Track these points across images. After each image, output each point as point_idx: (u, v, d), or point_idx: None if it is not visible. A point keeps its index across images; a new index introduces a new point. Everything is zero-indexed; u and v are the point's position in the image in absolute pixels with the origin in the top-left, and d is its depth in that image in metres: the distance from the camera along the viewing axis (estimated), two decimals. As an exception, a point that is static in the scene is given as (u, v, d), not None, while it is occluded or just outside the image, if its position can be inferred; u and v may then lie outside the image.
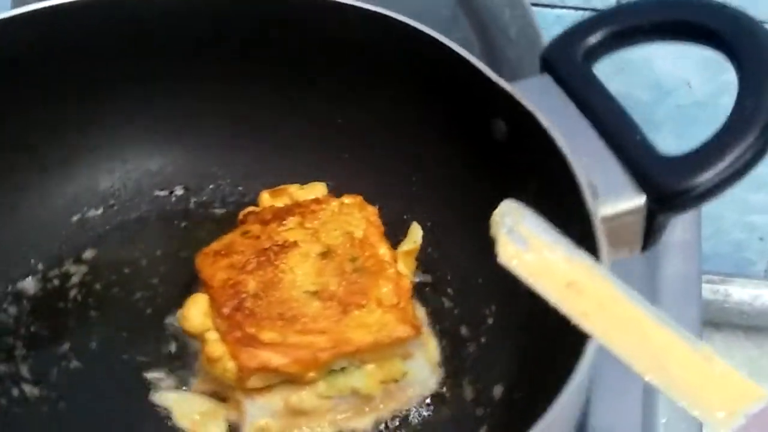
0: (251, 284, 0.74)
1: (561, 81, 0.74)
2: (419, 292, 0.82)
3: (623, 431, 0.84)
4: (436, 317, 0.81)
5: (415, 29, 0.77)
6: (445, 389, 0.77)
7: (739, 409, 0.48)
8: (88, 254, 0.85)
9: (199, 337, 0.74)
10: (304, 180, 0.86)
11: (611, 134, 0.70)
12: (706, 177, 0.65)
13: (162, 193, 0.90)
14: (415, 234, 0.84)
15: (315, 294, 0.74)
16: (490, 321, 0.80)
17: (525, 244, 0.59)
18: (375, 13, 0.78)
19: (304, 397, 0.72)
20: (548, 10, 1.04)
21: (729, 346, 1.14)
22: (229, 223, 0.87)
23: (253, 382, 0.71)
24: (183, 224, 0.89)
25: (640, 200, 0.67)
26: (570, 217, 0.67)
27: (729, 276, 1.18)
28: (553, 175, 0.69)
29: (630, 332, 0.53)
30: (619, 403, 0.85)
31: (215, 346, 0.71)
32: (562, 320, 0.70)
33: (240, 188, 0.91)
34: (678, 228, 0.95)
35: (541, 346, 0.73)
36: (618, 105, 0.71)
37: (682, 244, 0.94)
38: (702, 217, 0.97)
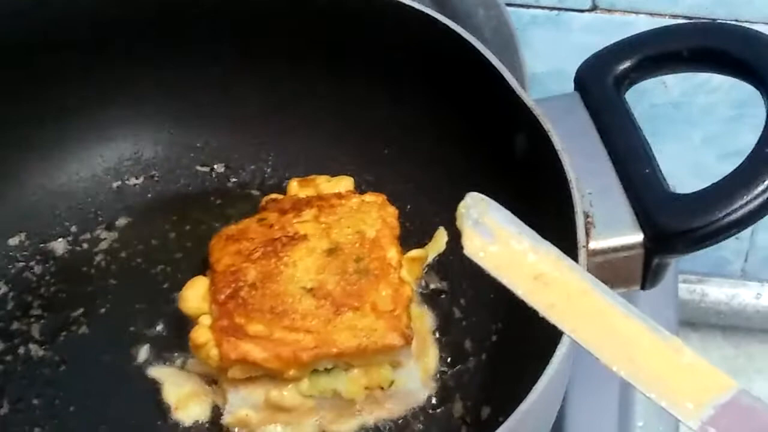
0: (251, 273, 0.74)
1: (589, 102, 0.71)
2: (433, 298, 0.81)
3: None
4: (444, 326, 0.80)
5: (459, 36, 0.76)
6: (435, 402, 0.75)
7: (707, 400, 0.48)
8: (121, 222, 0.87)
9: (194, 320, 0.74)
10: (341, 173, 0.86)
11: (623, 164, 0.67)
12: (709, 220, 0.62)
13: (203, 169, 0.91)
14: (440, 239, 0.82)
15: (310, 291, 0.73)
16: (494, 338, 0.78)
17: (491, 236, 0.58)
18: (424, 14, 0.77)
19: (285, 393, 0.72)
20: (523, 10, 1.02)
21: (706, 346, 1.13)
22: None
23: (234, 372, 0.71)
24: (218, 202, 0.90)
25: (636, 237, 0.64)
26: (562, 245, 0.64)
27: (706, 276, 1.18)
28: (556, 198, 0.67)
29: (598, 324, 0.52)
30: (596, 408, 0.83)
31: (202, 332, 0.71)
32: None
33: (280, 173, 0.91)
34: None
35: (533, 374, 0.71)
36: (639, 135, 0.68)
37: None
38: None
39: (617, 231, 0.64)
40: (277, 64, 0.88)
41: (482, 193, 0.78)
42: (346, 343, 0.70)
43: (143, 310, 0.81)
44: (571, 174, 0.65)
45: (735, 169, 0.63)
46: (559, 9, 1.01)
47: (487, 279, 0.79)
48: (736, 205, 0.61)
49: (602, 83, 0.71)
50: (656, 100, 1.04)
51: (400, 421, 0.75)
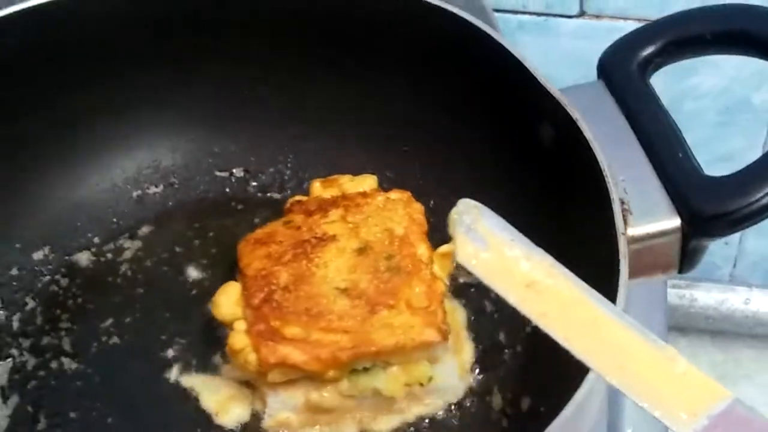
0: (283, 276, 0.74)
1: (614, 89, 0.72)
2: (463, 292, 0.81)
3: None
4: (477, 320, 0.80)
5: (478, 29, 0.76)
6: (474, 396, 0.75)
7: (701, 410, 0.47)
8: (144, 230, 0.87)
9: (228, 326, 0.74)
10: (363, 171, 0.86)
11: (655, 149, 0.67)
12: (746, 202, 0.62)
13: (222, 174, 0.91)
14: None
15: (344, 291, 0.73)
16: (528, 329, 0.77)
17: (484, 242, 0.57)
18: (442, 9, 0.77)
19: (325, 394, 0.72)
20: (511, 15, 1.03)
21: (695, 351, 1.13)
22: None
23: (274, 376, 0.71)
24: (239, 207, 0.89)
25: (674, 222, 0.64)
26: (599, 233, 0.65)
27: (695, 281, 1.18)
28: (589, 187, 0.67)
29: (591, 333, 0.52)
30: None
31: (238, 337, 0.71)
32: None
33: (300, 174, 0.91)
34: None
35: (573, 363, 0.71)
36: (668, 119, 0.68)
37: None
38: None
39: (654, 216, 0.64)
40: (291, 66, 0.88)
41: (509, 186, 0.79)
42: (384, 341, 0.70)
43: (173, 318, 0.81)
44: (603, 162, 0.65)
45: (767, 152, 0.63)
46: (547, 15, 1.01)
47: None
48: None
49: (626, 69, 0.71)
50: None
51: (439, 416, 0.74)
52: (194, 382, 0.77)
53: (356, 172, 0.85)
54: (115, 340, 0.79)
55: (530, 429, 0.71)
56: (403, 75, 0.83)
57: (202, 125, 0.90)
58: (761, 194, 0.62)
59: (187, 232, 0.87)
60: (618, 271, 0.60)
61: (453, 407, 0.75)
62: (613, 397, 0.83)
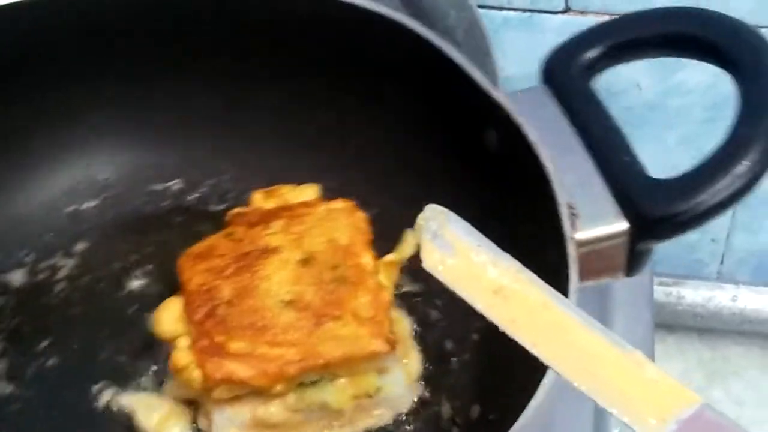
0: (226, 290, 0.72)
1: (558, 93, 0.71)
2: (407, 301, 0.80)
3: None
4: (423, 329, 0.79)
5: (417, 35, 0.75)
6: (423, 406, 0.75)
7: (670, 415, 0.47)
8: (80, 247, 0.85)
9: (170, 343, 0.72)
10: (304, 180, 0.84)
11: (600, 153, 0.67)
12: (692, 204, 0.62)
13: (159, 187, 0.89)
14: (410, 242, 0.81)
15: (289, 303, 0.71)
16: (476, 337, 0.77)
17: (450, 248, 0.57)
18: (388, 18, 0.76)
19: (272, 409, 0.70)
20: (495, 12, 1.02)
21: (682, 349, 1.13)
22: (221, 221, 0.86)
23: (219, 392, 0.69)
24: (178, 219, 0.87)
25: (621, 225, 0.63)
26: (547, 238, 0.64)
27: (682, 278, 1.18)
28: (536, 192, 0.66)
29: (559, 339, 0.51)
30: (572, 416, 0.82)
31: (182, 354, 0.69)
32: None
33: (240, 185, 0.89)
34: None
35: (522, 369, 0.70)
36: (612, 123, 0.68)
37: None
38: None
39: (602, 220, 0.64)
40: (229, 76, 0.86)
41: (455, 192, 0.78)
42: (332, 353, 0.69)
43: (111, 337, 0.79)
44: (549, 165, 0.65)
45: (713, 153, 0.63)
46: (532, 11, 1.00)
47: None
48: (717, 187, 0.62)
49: (569, 74, 0.71)
50: (630, 102, 1.04)
51: (389, 428, 0.74)
52: (133, 400, 0.75)
53: (298, 182, 0.83)
54: (52, 361, 0.77)
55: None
56: (344, 83, 0.82)
57: (138, 137, 0.88)
58: (706, 196, 0.62)
59: (124, 248, 0.85)
60: (567, 276, 0.60)
61: (402, 418, 0.74)
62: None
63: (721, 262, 1.23)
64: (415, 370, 0.75)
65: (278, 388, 0.69)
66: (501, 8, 1.01)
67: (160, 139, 0.89)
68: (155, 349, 0.77)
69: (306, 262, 0.74)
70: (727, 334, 1.18)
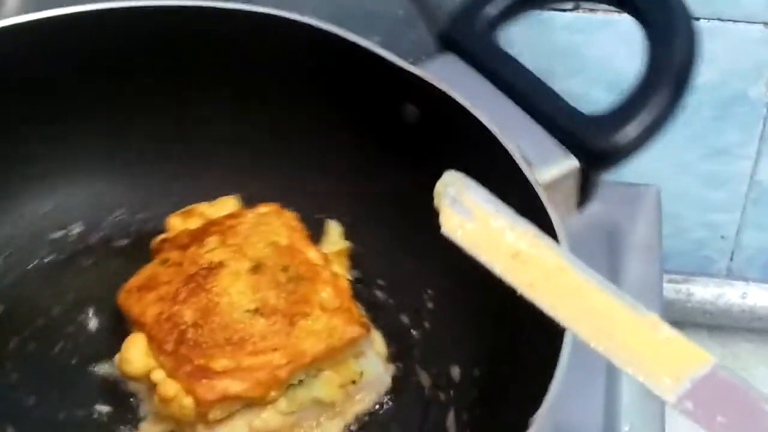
0: (187, 314, 0.71)
1: (467, 56, 0.74)
2: (351, 288, 0.80)
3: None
4: (374, 312, 0.79)
5: (309, 26, 0.75)
6: (401, 381, 0.76)
7: (684, 374, 0.48)
8: (-6, 313, 0.80)
9: (143, 379, 0.70)
10: (204, 197, 0.83)
11: (530, 103, 0.70)
12: (633, 131, 0.67)
13: (59, 234, 0.85)
14: (334, 232, 0.83)
15: (256, 311, 0.71)
16: (430, 305, 0.79)
17: (469, 214, 0.58)
18: (267, 14, 0.76)
19: (266, 418, 0.70)
20: None
21: None
22: (137, 254, 0.83)
23: (215, 413, 0.68)
24: (88, 263, 0.84)
25: (573, 163, 0.67)
26: (506, 190, 0.67)
27: (691, 275, 1.17)
28: (480, 153, 0.69)
29: (576, 302, 0.53)
30: (582, 408, 0.84)
31: (168, 385, 0.68)
32: (508, 292, 0.70)
33: (140, 215, 0.86)
34: (639, 228, 0.94)
35: (491, 319, 0.73)
36: (530, 73, 0.72)
37: (643, 244, 0.92)
38: (663, 216, 0.97)
39: (553, 162, 0.67)
40: (105, 110, 0.83)
41: (380, 174, 0.80)
42: (315, 348, 0.70)
43: (64, 395, 0.75)
44: (490, 125, 0.68)
45: (636, 85, 0.68)
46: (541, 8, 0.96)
47: (399, 254, 0.81)
48: (642, 120, 0.66)
49: (474, 35, 0.74)
50: None
51: (377, 409, 0.74)
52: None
53: (198, 199, 0.83)
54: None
55: (470, 395, 0.73)
56: (225, 87, 0.82)
57: (24, 188, 0.84)
58: (637, 126, 0.66)
59: (43, 302, 0.81)
60: (541, 219, 0.63)
61: (386, 397, 0.75)
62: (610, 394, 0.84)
63: (731, 259, 1.22)
64: (383, 350, 0.76)
65: (273, 394, 0.69)
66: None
67: (47, 186, 0.85)
68: (116, 395, 0.74)
69: (256, 269, 0.74)
70: (737, 332, 1.18)
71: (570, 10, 0.97)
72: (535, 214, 0.63)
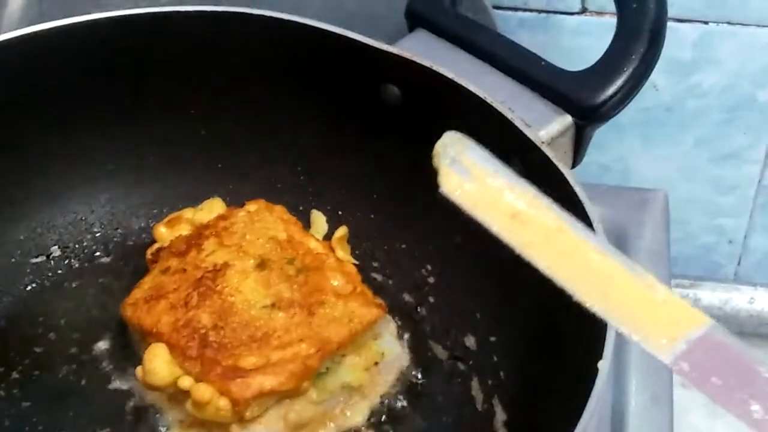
0: (204, 317, 0.71)
1: (438, 30, 0.75)
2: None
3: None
4: (375, 294, 0.80)
5: (280, 20, 0.76)
6: (418, 358, 0.77)
7: (681, 335, 0.48)
8: (-12, 347, 0.78)
9: (168, 388, 0.70)
10: (183, 202, 0.83)
11: (512, 67, 0.72)
12: (620, 84, 0.69)
13: (39, 260, 0.83)
14: (320, 221, 0.84)
15: (273, 306, 0.71)
16: (431, 280, 0.80)
17: (468, 174, 0.59)
18: (235, 13, 0.76)
19: (299, 409, 0.70)
20: (511, 13, 1.01)
21: None
22: (123, 268, 0.83)
23: (252, 411, 0.68)
24: (74, 284, 0.82)
25: (567, 120, 0.69)
26: (507, 155, 0.69)
27: (698, 280, 1.17)
28: (471, 123, 0.70)
29: (574, 262, 0.53)
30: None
31: (202, 389, 0.67)
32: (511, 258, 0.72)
33: (119, 230, 0.86)
34: (646, 232, 0.94)
35: (497, 284, 0.75)
36: (503, 37, 0.74)
37: (651, 248, 0.93)
38: (670, 220, 0.97)
39: (548, 121, 0.69)
40: (71, 125, 0.82)
41: (362, 158, 0.80)
42: (339, 334, 0.71)
43: (82, 417, 0.74)
44: (479, 92, 0.69)
45: (612, 42, 0.70)
46: (548, 12, 0.99)
47: (391, 235, 0.82)
48: (636, 63, 0.69)
49: (442, 8, 0.75)
50: (647, 104, 1.02)
51: (400, 387, 0.75)
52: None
53: (174, 206, 0.83)
54: (37, 460, 0.71)
55: (490, 361, 0.75)
56: (194, 89, 0.81)
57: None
58: (621, 82, 0.69)
59: (36, 330, 0.79)
60: (563, 178, 0.64)
61: (407, 375, 0.76)
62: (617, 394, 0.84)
63: (738, 264, 1.22)
64: (394, 330, 0.77)
65: (305, 385, 0.69)
66: (516, 9, 0.99)
67: (18, 211, 0.83)
68: (135, 409, 0.74)
69: (262, 265, 0.74)
70: (744, 337, 1.07)
71: (577, 13, 0.98)
72: (541, 170, 0.65)
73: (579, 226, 0.55)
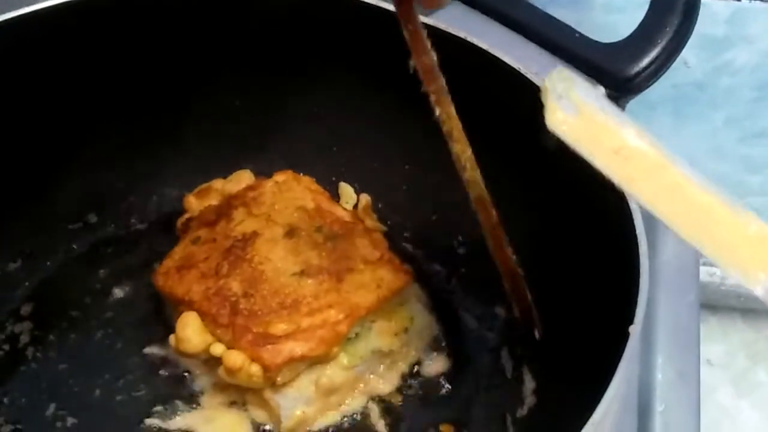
0: (235, 285, 0.72)
1: (474, 3, 0.75)
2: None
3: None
4: (405, 263, 0.80)
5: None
6: (448, 328, 0.78)
7: None
8: (26, 309, 0.80)
9: (201, 355, 0.71)
10: (213, 173, 0.84)
11: (546, 39, 0.72)
12: (654, 56, 0.69)
13: (76, 226, 0.84)
14: (348, 191, 0.84)
15: (302, 273, 0.72)
16: (461, 251, 0.81)
17: (575, 110, 0.58)
18: None
19: (331, 374, 0.71)
20: None
21: (725, 329, 1.09)
22: (157, 236, 0.84)
23: (283, 376, 0.69)
24: (109, 250, 0.84)
25: (600, 91, 0.69)
26: (539, 125, 0.69)
27: None
28: (504, 94, 0.70)
29: (675, 197, 0.54)
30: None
31: (234, 356, 0.68)
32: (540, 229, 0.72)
33: (154, 198, 0.87)
34: None
35: (527, 255, 0.75)
36: (541, 11, 0.73)
37: None
38: None
39: (582, 93, 0.69)
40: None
41: (390, 132, 0.81)
42: (368, 300, 0.71)
43: (115, 378, 0.75)
44: (513, 63, 0.69)
45: (646, 15, 0.70)
46: None
47: (421, 207, 0.83)
48: (669, 37, 0.69)
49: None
50: (678, 80, 1.01)
51: (430, 355, 0.76)
52: (186, 422, 0.72)
53: (205, 176, 0.84)
54: (71, 420, 0.73)
55: (519, 331, 0.75)
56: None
57: (29, 186, 0.82)
58: (654, 54, 0.69)
59: (72, 294, 0.81)
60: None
61: (435, 343, 0.77)
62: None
63: None
64: (423, 298, 0.78)
65: (335, 350, 0.70)
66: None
67: (52, 179, 0.83)
68: (170, 373, 0.75)
69: (291, 233, 0.75)
70: None
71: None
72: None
73: (682, 162, 0.55)
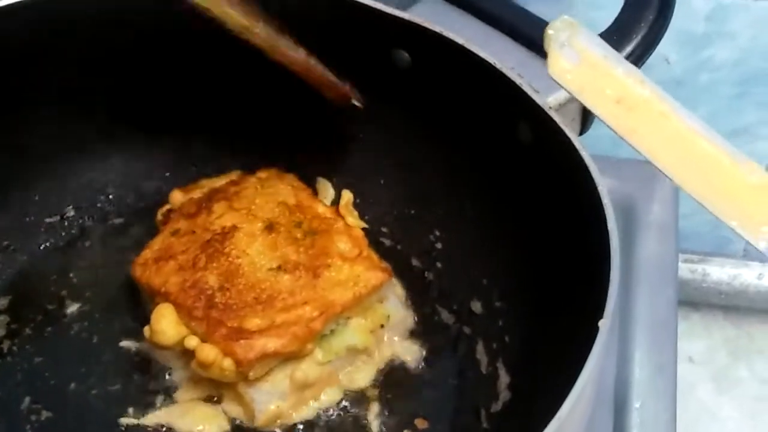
0: (211, 279, 0.72)
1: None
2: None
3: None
4: (384, 259, 0.80)
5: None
6: (424, 323, 0.78)
7: None
8: (2, 302, 0.79)
9: (176, 348, 0.71)
10: (193, 167, 0.84)
11: (521, 33, 0.72)
12: (629, 50, 0.69)
13: (53, 220, 0.84)
14: (326, 188, 0.84)
15: (279, 269, 0.72)
16: (439, 246, 0.81)
17: (577, 58, 0.58)
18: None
19: (306, 369, 0.71)
20: None
21: (707, 326, 1.10)
22: (135, 229, 0.84)
23: (256, 371, 0.69)
24: (86, 244, 0.84)
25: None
26: (515, 120, 0.69)
27: (707, 255, 1.15)
28: (480, 88, 0.70)
29: (677, 149, 0.53)
30: None
31: (206, 350, 0.68)
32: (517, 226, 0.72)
33: (131, 192, 0.86)
34: (655, 207, 0.93)
35: (504, 250, 0.75)
36: (516, 5, 0.73)
37: (659, 223, 0.92)
38: (680, 195, 0.95)
39: (556, 87, 0.68)
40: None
41: (372, 126, 0.80)
42: (344, 298, 0.71)
43: (90, 371, 0.75)
44: (489, 58, 0.69)
45: (621, 10, 0.70)
46: None
47: (400, 201, 0.83)
48: (646, 30, 0.69)
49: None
50: (659, 77, 0.94)
51: (408, 352, 0.76)
52: (159, 417, 0.72)
53: (182, 171, 0.84)
54: (46, 414, 0.72)
55: (495, 325, 0.75)
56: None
57: (7, 178, 0.82)
58: (641, 34, 0.69)
59: (49, 288, 0.80)
60: (569, 140, 0.64)
61: (413, 339, 0.77)
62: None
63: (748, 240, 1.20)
64: (401, 293, 0.78)
65: (308, 347, 0.70)
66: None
67: (34, 173, 0.84)
68: (146, 367, 0.75)
69: (270, 228, 0.75)
70: (753, 313, 1.15)
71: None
72: (549, 136, 0.65)
73: (684, 111, 0.55)
